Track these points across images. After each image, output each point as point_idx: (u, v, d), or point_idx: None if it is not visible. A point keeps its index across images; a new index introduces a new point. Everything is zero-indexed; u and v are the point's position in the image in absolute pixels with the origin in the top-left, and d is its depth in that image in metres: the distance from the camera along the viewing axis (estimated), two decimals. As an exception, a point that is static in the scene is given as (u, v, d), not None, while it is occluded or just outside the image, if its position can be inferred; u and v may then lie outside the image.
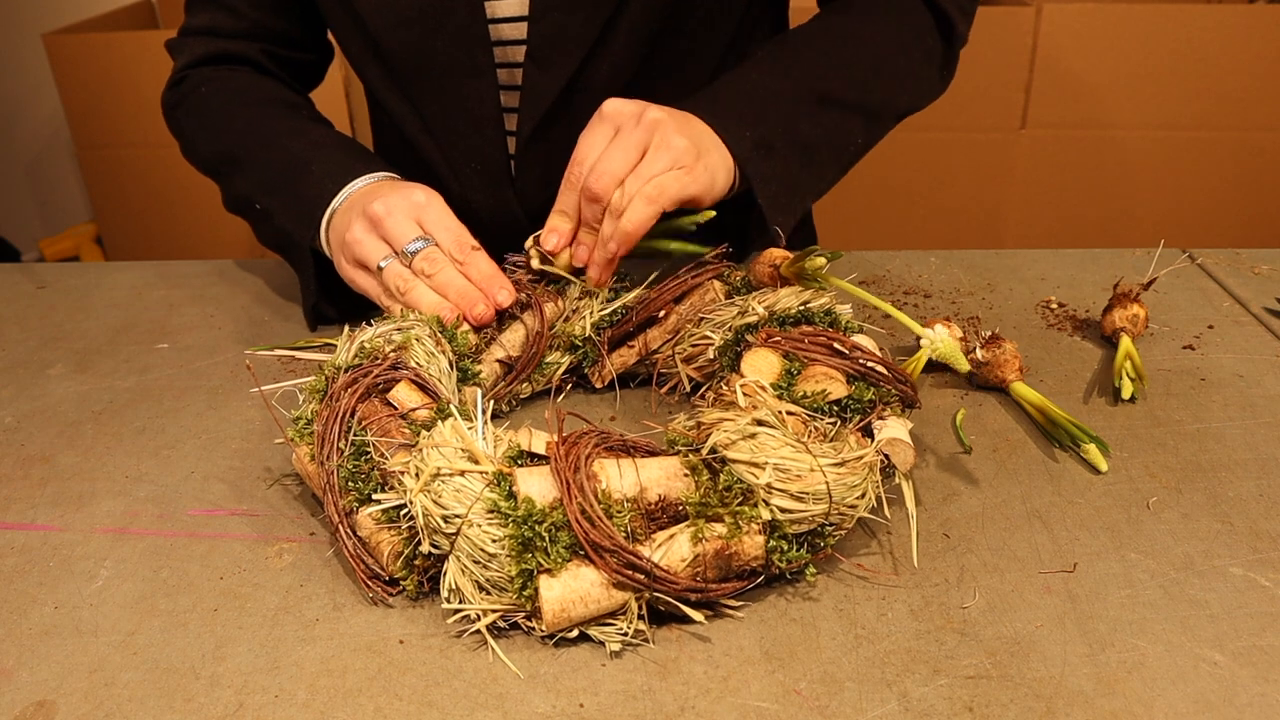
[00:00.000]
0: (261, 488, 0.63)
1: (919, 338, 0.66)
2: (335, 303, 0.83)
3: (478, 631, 0.51)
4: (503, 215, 0.90)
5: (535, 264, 0.72)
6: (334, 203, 0.78)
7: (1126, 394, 0.70)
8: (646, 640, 0.51)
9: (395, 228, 0.71)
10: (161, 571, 0.56)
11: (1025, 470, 0.63)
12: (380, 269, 0.71)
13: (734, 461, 0.51)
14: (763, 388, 0.57)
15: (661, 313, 0.71)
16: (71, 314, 0.88)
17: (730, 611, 0.52)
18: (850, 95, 0.81)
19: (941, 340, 0.61)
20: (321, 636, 0.51)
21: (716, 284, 0.70)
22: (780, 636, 0.51)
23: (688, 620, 0.51)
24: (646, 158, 0.69)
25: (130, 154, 2.10)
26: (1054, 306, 0.85)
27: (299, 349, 0.80)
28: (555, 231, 0.72)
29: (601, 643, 0.50)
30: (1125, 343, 0.72)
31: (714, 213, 0.71)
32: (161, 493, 0.63)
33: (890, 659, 0.49)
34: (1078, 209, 2.08)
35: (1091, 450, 0.63)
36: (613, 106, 0.71)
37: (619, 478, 0.52)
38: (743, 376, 0.58)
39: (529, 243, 0.73)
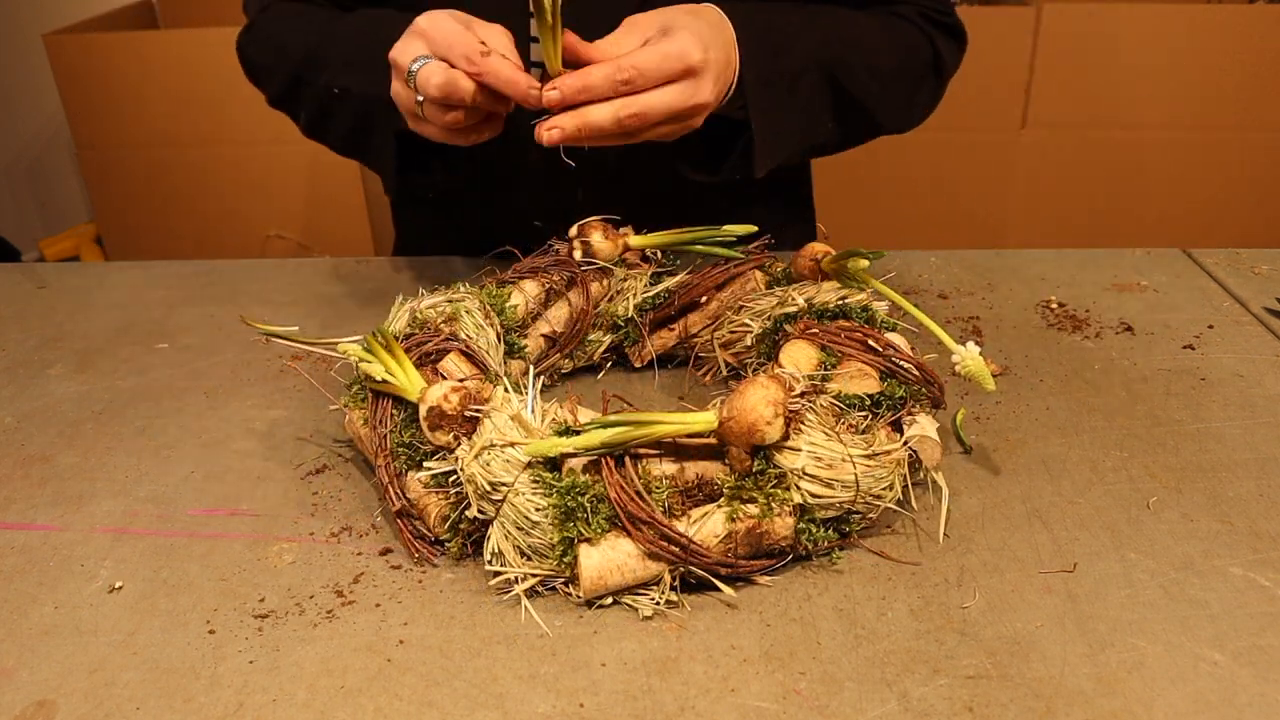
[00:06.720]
0: (262, 488, 0.63)
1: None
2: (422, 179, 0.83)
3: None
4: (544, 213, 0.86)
5: (578, 255, 0.73)
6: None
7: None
8: (676, 608, 0.52)
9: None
10: (161, 571, 0.56)
11: (1025, 470, 0.63)
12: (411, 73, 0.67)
13: (773, 445, 0.53)
14: (799, 379, 0.57)
15: (703, 298, 0.73)
16: (71, 314, 0.88)
17: (759, 583, 0.54)
18: (852, 88, 0.81)
19: (971, 359, 0.61)
20: (321, 636, 0.51)
21: (758, 274, 0.73)
22: (780, 636, 0.51)
23: (716, 589, 0.53)
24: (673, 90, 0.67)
25: (130, 154, 2.10)
26: (1054, 306, 0.85)
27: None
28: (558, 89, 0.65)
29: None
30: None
31: (755, 228, 0.73)
32: (161, 493, 0.63)
33: (890, 659, 0.49)
34: (1078, 209, 2.08)
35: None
36: (645, 23, 0.68)
37: (659, 456, 0.54)
38: (781, 367, 0.60)
39: (573, 232, 0.74)
